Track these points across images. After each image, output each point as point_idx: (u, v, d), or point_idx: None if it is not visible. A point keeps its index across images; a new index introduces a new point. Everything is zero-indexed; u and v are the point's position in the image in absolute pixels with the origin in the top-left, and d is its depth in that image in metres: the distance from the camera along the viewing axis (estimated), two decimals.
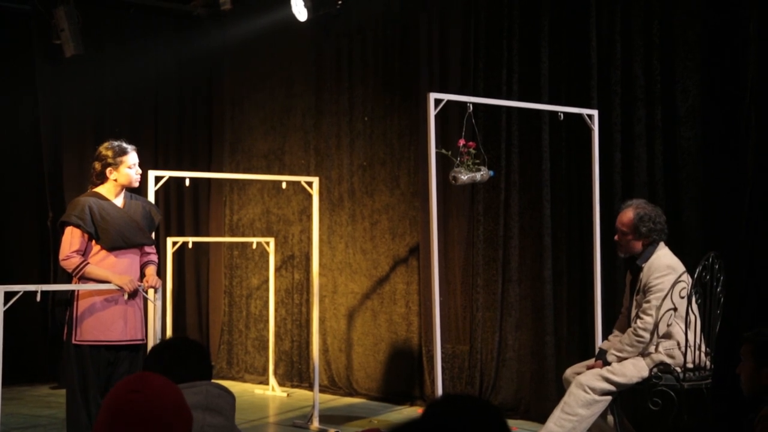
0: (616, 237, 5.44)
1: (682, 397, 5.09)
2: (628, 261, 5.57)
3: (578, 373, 5.36)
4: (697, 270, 5.17)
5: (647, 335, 5.18)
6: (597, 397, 5.17)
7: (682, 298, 5.17)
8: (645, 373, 5.19)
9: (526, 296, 7.12)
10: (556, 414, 5.21)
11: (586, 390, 5.17)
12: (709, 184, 6.11)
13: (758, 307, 5.72)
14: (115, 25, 9.54)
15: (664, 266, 5.26)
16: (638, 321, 5.22)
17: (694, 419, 5.25)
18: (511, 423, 6.67)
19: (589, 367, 5.37)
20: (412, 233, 8.01)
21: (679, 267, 5.28)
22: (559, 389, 5.96)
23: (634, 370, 5.20)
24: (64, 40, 8.57)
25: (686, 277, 5.22)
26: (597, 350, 5.59)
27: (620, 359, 5.24)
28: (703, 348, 5.24)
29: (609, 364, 5.25)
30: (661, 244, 5.36)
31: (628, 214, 5.37)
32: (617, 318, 5.70)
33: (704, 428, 5.38)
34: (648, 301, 5.22)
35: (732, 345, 5.53)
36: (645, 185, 6.37)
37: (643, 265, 5.32)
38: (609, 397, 5.21)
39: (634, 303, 5.35)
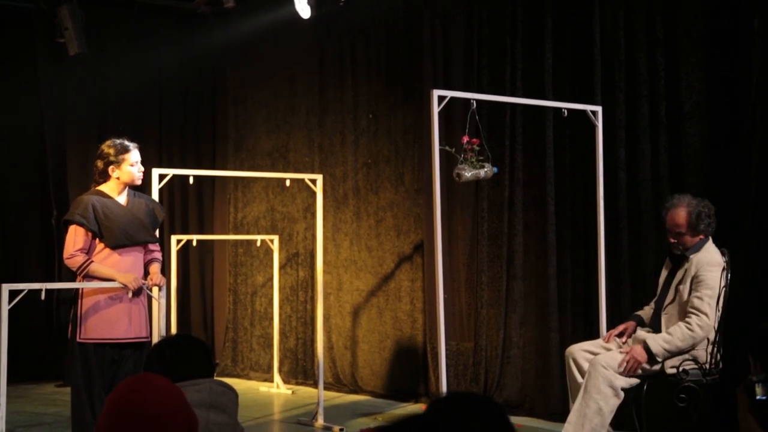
0: (671, 239, 5.37)
1: (707, 393, 5.10)
2: (669, 252, 5.54)
3: (585, 350, 5.37)
4: (726, 273, 5.22)
5: (701, 333, 5.11)
6: (617, 375, 5.12)
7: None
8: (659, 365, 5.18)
9: (531, 293, 7.11)
10: (580, 396, 5.15)
11: (605, 367, 5.12)
12: (713, 181, 6.10)
13: (762, 303, 5.70)
14: (119, 23, 9.54)
15: (716, 262, 5.22)
16: (693, 317, 5.12)
17: (717, 414, 5.27)
18: (516, 420, 6.68)
19: (607, 339, 5.44)
20: (417, 230, 8.00)
21: (723, 265, 5.26)
22: (563, 387, 5.96)
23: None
24: (68, 38, 8.57)
25: None
26: (632, 315, 5.64)
27: (666, 352, 5.13)
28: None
29: (652, 354, 5.14)
30: (710, 240, 5.35)
31: (680, 214, 5.30)
32: (641, 307, 5.75)
33: (721, 423, 5.38)
34: (700, 298, 5.14)
35: (737, 341, 5.53)
36: (649, 181, 6.36)
37: (691, 257, 5.28)
38: (631, 380, 5.14)
39: (675, 293, 5.30)
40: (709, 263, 5.21)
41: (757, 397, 3.01)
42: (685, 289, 5.26)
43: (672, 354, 5.16)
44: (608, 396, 5.11)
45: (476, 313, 7.43)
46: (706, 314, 5.12)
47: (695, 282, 5.21)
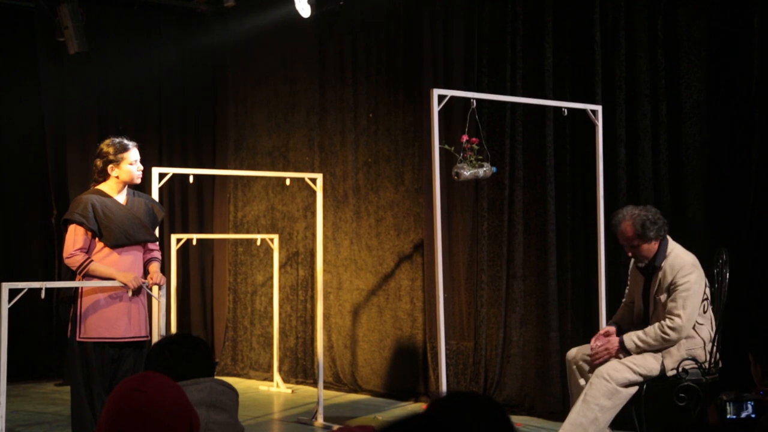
0: (629, 253, 5.41)
1: (707, 393, 5.10)
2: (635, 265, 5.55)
3: (589, 355, 5.37)
4: (715, 270, 5.23)
5: (674, 335, 5.14)
6: (618, 388, 5.13)
7: (706, 299, 5.18)
8: (659, 368, 5.19)
9: (531, 292, 7.11)
10: (578, 405, 5.17)
11: (607, 380, 5.14)
12: (713, 180, 6.10)
13: (762, 303, 5.70)
14: (119, 22, 9.54)
15: (689, 264, 5.22)
16: (667, 320, 5.17)
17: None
18: (516, 419, 6.68)
19: (594, 343, 5.42)
20: (417, 229, 8.00)
21: (698, 263, 5.27)
22: (564, 386, 5.96)
23: (654, 362, 5.20)
24: (68, 37, 8.57)
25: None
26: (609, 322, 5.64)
27: (638, 348, 5.20)
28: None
29: (625, 348, 5.22)
30: (670, 240, 5.35)
31: (627, 228, 5.31)
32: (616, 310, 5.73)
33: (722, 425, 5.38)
34: (674, 300, 5.18)
35: (737, 341, 5.53)
36: (649, 181, 6.36)
37: (662, 265, 5.28)
38: (631, 390, 5.17)
39: (656, 302, 5.31)
40: (683, 267, 5.21)
41: (728, 416, 3.03)
42: (663, 297, 5.28)
43: (643, 349, 5.21)
44: (606, 408, 5.13)
45: (476, 312, 7.42)
46: (678, 316, 5.16)
47: (671, 288, 5.23)
